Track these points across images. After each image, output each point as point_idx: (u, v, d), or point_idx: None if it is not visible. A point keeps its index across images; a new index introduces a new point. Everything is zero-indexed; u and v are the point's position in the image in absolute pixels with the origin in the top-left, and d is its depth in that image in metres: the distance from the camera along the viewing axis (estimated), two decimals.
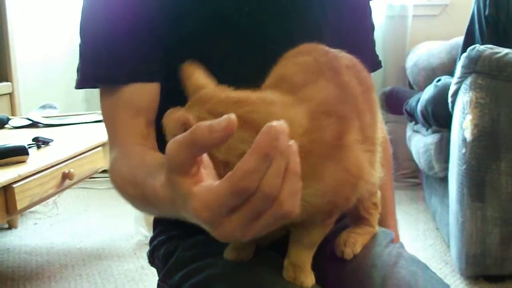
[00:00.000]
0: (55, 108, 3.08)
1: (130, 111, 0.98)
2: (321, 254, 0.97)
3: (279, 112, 0.71)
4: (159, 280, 1.14)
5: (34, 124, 2.67)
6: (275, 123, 0.53)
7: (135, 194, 0.86)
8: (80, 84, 1.02)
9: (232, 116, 0.53)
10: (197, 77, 0.79)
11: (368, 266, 0.96)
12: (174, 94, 0.80)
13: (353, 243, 0.98)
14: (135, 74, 0.97)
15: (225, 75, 0.84)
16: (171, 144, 0.58)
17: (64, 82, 3.71)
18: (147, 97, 0.99)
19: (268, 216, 0.57)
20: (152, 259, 1.21)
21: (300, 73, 0.84)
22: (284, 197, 0.56)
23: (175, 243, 1.12)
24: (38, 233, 2.95)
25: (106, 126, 1.03)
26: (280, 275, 0.88)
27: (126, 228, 2.88)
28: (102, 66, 0.98)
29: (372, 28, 1.23)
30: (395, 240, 1.09)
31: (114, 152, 0.99)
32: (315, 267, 0.92)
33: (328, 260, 0.99)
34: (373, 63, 1.23)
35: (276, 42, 1.00)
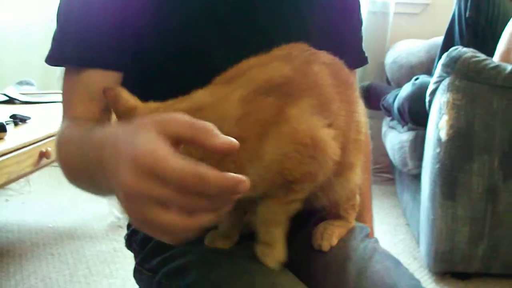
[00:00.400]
0: (32, 85, 3.06)
1: (87, 95, 0.99)
2: (296, 244, 1.00)
3: (208, 116, 0.71)
4: (136, 264, 1.15)
5: (11, 100, 2.65)
6: None
7: (72, 151, 0.89)
8: (48, 61, 1.04)
9: (235, 141, 0.58)
10: (126, 98, 0.80)
11: (343, 259, 0.98)
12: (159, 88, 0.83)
13: (330, 235, 1.00)
14: (98, 60, 0.98)
15: (212, 69, 0.86)
16: (179, 114, 0.61)
17: (41, 59, 3.68)
18: (106, 84, 0.95)
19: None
20: (130, 242, 1.22)
21: (258, 59, 0.89)
22: None
23: None
24: (10, 210, 2.93)
25: (63, 104, 1.03)
26: (257, 263, 0.90)
27: (98, 209, 2.87)
28: (69, 47, 0.99)
29: (360, 23, 1.24)
30: (370, 234, 1.12)
31: (64, 122, 1.00)
32: (290, 257, 0.95)
33: (303, 250, 1.01)
34: (359, 59, 1.25)
35: (264, 33, 1.02)
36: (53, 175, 3.44)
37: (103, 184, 0.69)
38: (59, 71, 3.17)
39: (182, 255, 0.99)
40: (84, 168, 0.79)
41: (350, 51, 1.16)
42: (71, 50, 0.99)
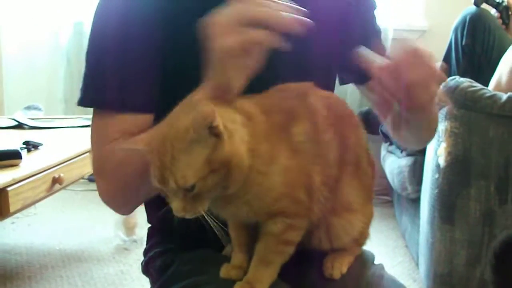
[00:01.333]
0: (40, 109, 3.13)
1: (120, 134, 1.05)
2: (310, 272, 1.06)
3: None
4: None
5: (20, 125, 2.72)
6: None
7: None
8: (82, 103, 1.09)
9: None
10: None
11: (352, 286, 1.04)
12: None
13: (340, 263, 1.06)
14: (130, 104, 1.05)
15: None
16: None
17: (45, 82, 3.76)
18: (138, 127, 1.04)
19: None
20: (147, 268, 1.28)
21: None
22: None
23: (172, 256, 1.18)
24: (16, 232, 2.98)
25: (96, 139, 1.09)
26: None
27: (104, 232, 2.93)
28: (104, 91, 1.06)
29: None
30: None
31: (103, 151, 1.07)
32: (304, 284, 1.02)
33: (316, 278, 1.07)
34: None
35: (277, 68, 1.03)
36: (57, 198, 3.49)
37: None
38: (61, 93, 3.23)
39: (200, 284, 1.03)
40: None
41: None
42: (106, 94, 1.05)
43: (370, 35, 1.23)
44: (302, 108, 0.95)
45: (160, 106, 0.98)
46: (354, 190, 1.02)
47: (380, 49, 1.17)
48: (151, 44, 1.05)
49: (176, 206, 0.81)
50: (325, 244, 1.03)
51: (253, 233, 0.96)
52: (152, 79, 1.06)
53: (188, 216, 0.82)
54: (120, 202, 1.13)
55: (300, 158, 0.90)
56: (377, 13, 1.27)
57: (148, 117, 1.06)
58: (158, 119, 0.92)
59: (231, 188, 0.83)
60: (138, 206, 1.15)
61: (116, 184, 1.08)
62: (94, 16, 1.09)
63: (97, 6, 1.09)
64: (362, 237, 1.09)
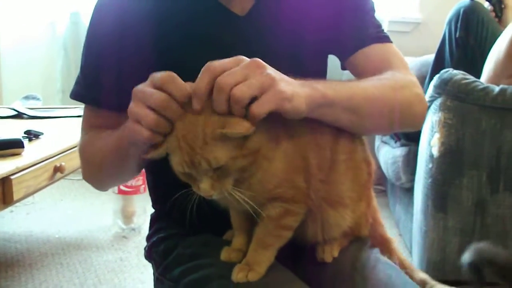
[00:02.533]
0: (38, 99, 3.16)
1: (91, 124, 1.20)
2: (306, 257, 1.11)
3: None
4: (157, 274, 1.25)
5: (19, 115, 2.74)
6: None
7: (103, 145, 1.10)
8: (72, 96, 1.23)
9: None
10: None
11: (349, 269, 1.08)
12: None
13: (331, 248, 1.10)
14: (104, 103, 1.17)
15: None
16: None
17: (42, 72, 3.78)
18: (107, 122, 1.15)
19: None
20: (150, 253, 1.32)
21: None
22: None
23: (175, 241, 1.22)
24: (15, 220, 3.01)
25: (83, 124, 1.23)
26: (272, 274, 0.99)
27: (102, 220, 2.98)
28: (84, 89, 1.20)
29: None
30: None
31: (84, 135, 1.21)
32: (297, 269, 1.06)
33: (313, 263, 1.11)
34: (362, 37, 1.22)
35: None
36: (55, 186, 3.53)
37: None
38: (59, 83, 3.26)
39: (203, 267, 1.08)
40: (116, 145, 1.05)
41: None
42: (84, 91, 1.19)
43: (365, 40, 1.20)
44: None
45: None
46: (348, 182, 1.05)
47: (381, 55, 1.20)
48: (144, 44, 1.13)
49: (205, 186, 0.86)
50: (319, 235, 1.07)
51: (253, 218, 1.00)
52: (133, 81, 1.11)
53: (216, 195, 0.87)
54: (96, 181, 1.24)
55: (296, 141, 0.94)
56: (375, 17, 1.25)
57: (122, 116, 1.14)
58: None
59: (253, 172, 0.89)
60: (113, 185, 1.28)
61: (91, 166, 1.20)
62: (92, 14, 1.19)
63: (95, 5, 1.19)
64: (356, 230, 1.13)
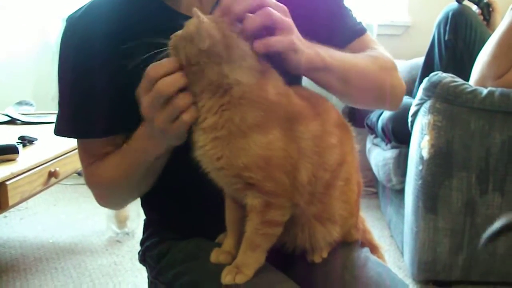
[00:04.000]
0: (31, 105, 3.17)
1: (92, 156, 1.20)
2: (293, 259, 1.13)
3: None
4: (151, 277, 1.28)
5: (12, 121, 2.76)
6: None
7: (115, 164, 1.14)
8: (55, 133, 1.23)
9: None
10: None
11: (340, 268, 1.11)
12: None
13: (320, 249, 1.11)
14: (90, 132, 1.17)
15: None
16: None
17: (34, 78, 3.78)
18: (104, 147, 1.17)
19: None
20: (144, 257, 1.34)
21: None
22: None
23: (168, 245, 1.25)
24: (9, 226, 3.02)
25: (81, 158, 1.24)
26: (263, 275, 1.01)
27: (96, 224, 2.99)
28: (67, 123, 1.19)
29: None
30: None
31: (89, 166, 1.21)
32: (289, 270, 1.09)
33: (300, 265, 1.14)
34: (354, 31, 1.28)
35: None
36: (48, 191, 3.53)
37: (152, 147, 1.04)
38: (54, 91, 3.25)
39: (195, 269, 1.11)
40: (129, 163, 1.10)
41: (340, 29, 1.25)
42: (70, 126, 1.19)
43: (350, 36, 1.27)
44: (321, 106, 1.02)
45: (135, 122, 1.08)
46: (341, 204, 1.08)
47: (363, 46, 1.25)
48: (105, 75, 1.13)
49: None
50: (307, 245, 1.08)
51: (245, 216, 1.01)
52: (110, 106, 1.14)
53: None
54: (112, 204, 1.33)
55: (292, 149, 0.95)
56: (353, 13, 1.30)
57: (117, 137, 1.16)
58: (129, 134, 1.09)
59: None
60: (130, 202, 1.31)
61: (103, 192, 1.23)
62: (59, 50, 1.20)
63: (60, 42, 1.19)
64: (345, 238, 1.15)
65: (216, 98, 0.92)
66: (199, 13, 0.91)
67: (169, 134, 0.97)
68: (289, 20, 0.96)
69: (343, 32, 1.26)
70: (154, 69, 0.93)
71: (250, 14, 0.92)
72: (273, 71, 0.96)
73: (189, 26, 0.93)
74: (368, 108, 1.52)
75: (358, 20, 1.30)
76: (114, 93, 1.12)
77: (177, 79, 0.92)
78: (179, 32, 0.95)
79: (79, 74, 1.15)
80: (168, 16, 1.14)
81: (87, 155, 1.20)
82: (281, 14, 0.95)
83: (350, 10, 1.29)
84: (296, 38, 0.96)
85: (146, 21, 1.14)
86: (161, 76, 0.92)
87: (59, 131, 1.21)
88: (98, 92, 1.14)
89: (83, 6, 1.18)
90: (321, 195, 1.03)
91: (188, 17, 1.00)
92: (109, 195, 1.23)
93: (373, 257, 1.18)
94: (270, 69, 0.95)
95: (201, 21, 0.89)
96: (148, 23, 1.13)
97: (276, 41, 0.93)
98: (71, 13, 1.19)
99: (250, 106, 0.91)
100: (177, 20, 1.07)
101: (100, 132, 1.16)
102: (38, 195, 3.34)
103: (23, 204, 3.25)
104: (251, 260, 0.99)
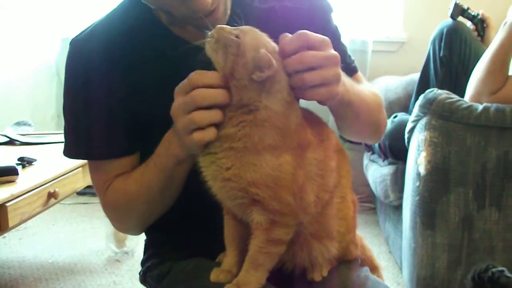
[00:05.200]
0: (30, 125, 3.17)
1: (109, 177, 1.19)
2: (293, 278, 1.14)
3: None
4: None
5: (11, 142, 2.76)
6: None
7: (136, 178, 1.14)
8: (67, 155, 1.23)
9: None
10: None
11: (339, 287, 1.13)
12: None
13: (320, 266, 1.13)
14: (108, 153, 1.17)
15: None
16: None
17: (33, 98, 3.80)
18: (122, 168, 1.18)
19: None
20: (144, 278, 1.35)
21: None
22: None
23: (169, 265, 1.27)
24: (8, 246, 3.02)
25: (95, 183, 1.24)
26: None
27: (95, 244, 2.99)
28: (82, 146, 1.19)
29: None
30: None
31: (108, 190, 1.20)
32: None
33: (299, 284, 1.15)
34: (350, 69, 1.33)
35: None
36: (47, 211, 3.52)
37: (175, 149, 1.04)
38: (53, 109, 3.26)
39: None
40: (151, 171, 1.10)
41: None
42: (84, 148, 1.19)
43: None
44: (324, 132, 1.07)
45: (145, 143, 1.11)
46: (338, 220, 1.11)
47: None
48: (116, 96, 1.15)
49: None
50: (306, 262, 1.10)
51: (245, 234, 1.04)
52: (125, 126, 1.16)
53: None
54: (131, 226, 1.31)
55: (299, 175, 0.97)
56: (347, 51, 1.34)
57: (133, 157, 1.19)
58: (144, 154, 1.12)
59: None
60: (149, 222, 1.26)
61: (123, 213, 1.23)
62: (65, 74, 1.20)
63: (65, 65, 1.19)
64: (344, 255, 1.18)
65: (239, 113, 0.94)
66: (265, 39, 0.94)
67: (184, 142, 0.98)
68: (336, 71, 0.99)
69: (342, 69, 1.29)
70: (198, 76, 0.95)
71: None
72: (296, 102, 0.99)
73: (246, 44, 0.94)
74: (357, 140, 1.57)
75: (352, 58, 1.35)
76: (127, 113, 1.15)
77: (218, 95, 0.94)
78: (227, 29, 0.96)
79: (89, 94, 1.16)
80: (173, 43, 1.15)
81: (104, 178, 1.20)
82: (330, 63, 0.97)
83: (346, 47, 1.33)
84: (340, 85, 1.00)
85: (150, 47, 1.15)
86: (203, 85, 0.94)
87: (73, 154, 1.22)
88: (113, 112, 1.15)
89: (86, 29, 1.20)
90: (319, 214, 1.05)
91: (191, 43, 1.02)
92: (127, 214, 1.22)
93: (373, 277, 1.19)
94: (295, 100, 0.98)
95: (264, 50, 0.92)
96: (153, 49, 1.15)
97: (323, 93, 0.97)
98: (75, 35, 1.20)
99: (271, 130, 0.94)
100: (181, 46, 1.09)
101: (120, 151, 1.18)
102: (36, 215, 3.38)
103: (22, 224, 3.24)
104: (252, 279, 1.00)
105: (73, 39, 1.19)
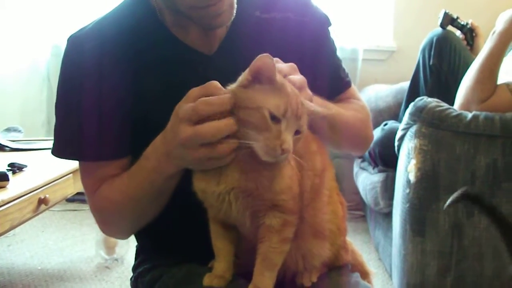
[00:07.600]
0: (20, 131, 3.16)
1: (98, 179, 1.18)
2: (282, 284, 1.14)
3: None
4: None
5: (1, 147, 2.75)
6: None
7: (124, 185, 1.12)
8: (56, 155, 1.21)
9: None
10: None
11: None
12: None
13: (310, 272, 1.14)
14: (99, 155, 1.16)
15: None
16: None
17: (23, 104, 3.78)
18: (112, 171, 1.17)
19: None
20: (136, 284, 1.35)
21: None
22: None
23: (160, 271, 1.27)
24: None
25: (84, 184, 1.23)
26: None
27: (84, 251, 2.98)
28: (71, 145, 1.17)
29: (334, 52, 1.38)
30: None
31: (96, 192, 1.19)
32: None
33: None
34: (345, 82, 1.39)
35: None
36: (36, 218, 3.51)
37: (167, 167, 1.02)
38: (43, 115, 3.24)
39: None
40: (140, 182, 1.08)
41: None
42: (75, 147, 1.17)
43: (340, 88, 1.37)
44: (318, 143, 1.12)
45: (137, 147, 1.10)
46: (329, 214, 1.12)
47: (349, 96, 1.38)
48: (113, 98, 1.14)
49: (289, 138, 0.91)
50: (299, 264, 1.11)
51: (235, 239, 1.06)
52: (119, 129, 1.15)
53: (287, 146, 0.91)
54: (116, 231, 1.31)
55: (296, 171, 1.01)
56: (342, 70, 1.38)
57: (124, 160, 1.17)
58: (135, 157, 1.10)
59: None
60: (135, 229, 1.27)
61: (109, 218, 1.22)
62: (60, 69, 1.18)
63: (62, 61, 1.18)
64: (335, 261, 1.19)
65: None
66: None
67: (196, 165, 0.98)
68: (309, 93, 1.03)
69: (337, 83, 1.36)
70: (204, 104, 0.91)
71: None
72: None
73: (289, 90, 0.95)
74: (343, 152, 1.64)
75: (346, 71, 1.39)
76: (123, 116, 1.14)
77: (226, 127, 0.91)
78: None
79: (85, 93, 1.14)
80: (175, 47, 1.16)
81: (93, 181, 1.18)
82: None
83: (341, 60, 1.36)
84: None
85: (152, 49, 1.15)
86: (211, 114, 0.91)
87: (64, 154, 1.20)
88: (108, 114, 1.14)
89: (87, 26, 1.19)
90: (312, 201, 1.06)
91: (193, 50, 1.02)
92: (115, 221, 1.22)
93: (363, 283, 1.20)
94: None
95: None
96: (155, 51, 1.15)
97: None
98: (74, 32, 1.18)
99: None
100: (182, 51, 1.09)
101: (111, 154, 1.16)
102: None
103: (11, 231, 3.23)
104: (270, 281, 1.01)
105: (72, 35, 1.18)
